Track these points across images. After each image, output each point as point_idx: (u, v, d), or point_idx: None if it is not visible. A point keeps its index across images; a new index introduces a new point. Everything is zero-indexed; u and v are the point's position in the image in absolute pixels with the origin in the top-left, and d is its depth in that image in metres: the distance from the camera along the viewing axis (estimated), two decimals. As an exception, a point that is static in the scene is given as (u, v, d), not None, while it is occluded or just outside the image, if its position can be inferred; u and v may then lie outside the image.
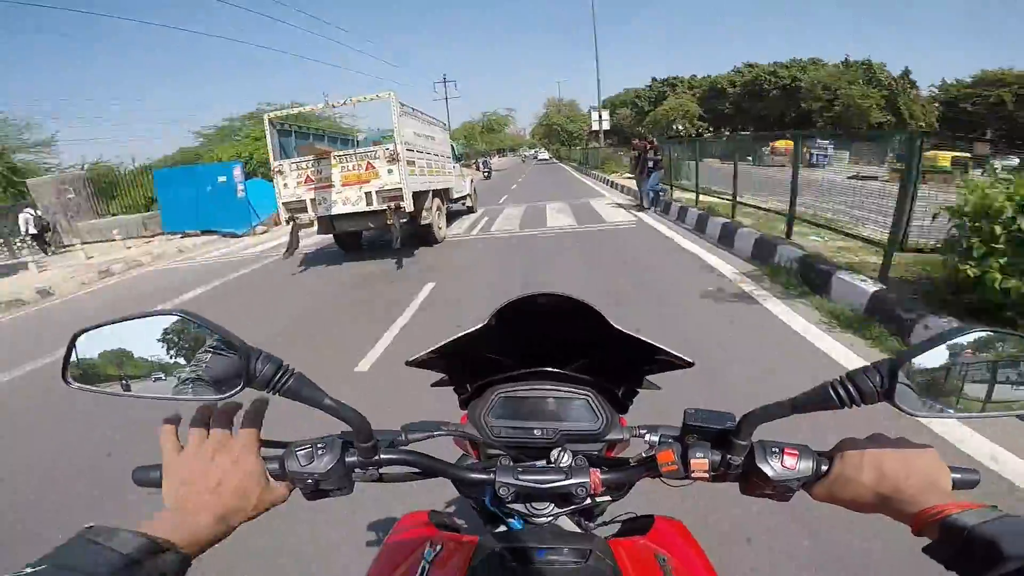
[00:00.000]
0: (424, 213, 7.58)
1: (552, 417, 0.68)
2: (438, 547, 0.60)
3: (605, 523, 0.75)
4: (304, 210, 7.06)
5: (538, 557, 0.54)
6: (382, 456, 0.58)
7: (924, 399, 0.48)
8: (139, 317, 0.50)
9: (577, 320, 0.63)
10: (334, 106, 7.58)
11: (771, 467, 0.53)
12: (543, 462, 0.64)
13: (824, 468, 0.53)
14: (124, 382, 0.52)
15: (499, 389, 0.70)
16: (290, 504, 0.58)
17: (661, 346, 0.63)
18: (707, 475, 0.56)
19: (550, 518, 0.61)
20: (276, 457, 0.56)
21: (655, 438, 0.61)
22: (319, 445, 0.56)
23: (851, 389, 0.47)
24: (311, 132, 8.99)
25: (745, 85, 45.66)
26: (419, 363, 0.69)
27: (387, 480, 0.62)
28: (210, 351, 0.50)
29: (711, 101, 47.93)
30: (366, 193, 6.86)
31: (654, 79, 54.11)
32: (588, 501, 0.59)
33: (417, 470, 0.61)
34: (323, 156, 6.98)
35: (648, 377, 0.73)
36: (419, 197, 7.27)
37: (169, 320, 0.50)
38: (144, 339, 0.51)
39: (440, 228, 8.40)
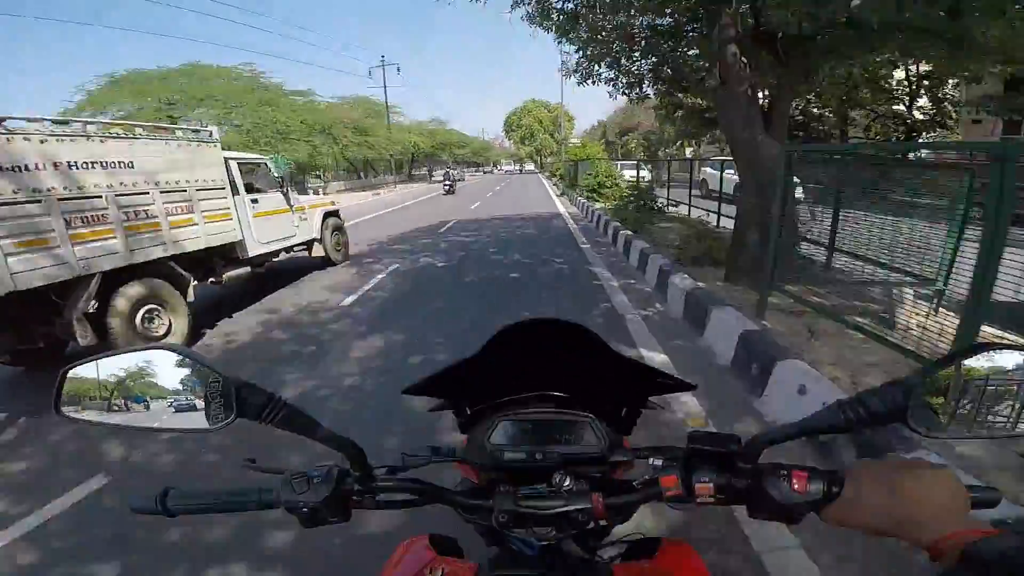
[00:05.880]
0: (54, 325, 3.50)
1: (553, 441, 0.67)
2: (438, 573, 0.60)
3: (611, 543, 0.73)
4: None
5: None
6: (379, 484, 0.58)
7: (942, 420, 0.46)
8: (128, 352, 0.51)
9: (577, 345, 0.62)
10: None
11: (779, 490, 0.51)
12: (544, 485, 0.63)
13: (836, 490, 0.50)
14: (115, 412, 0.52)
15: (499, 413, 0.69)
16: (283, 525, 0.55)
17: (661, 370, 0.63)
18: (712, 499, 0.54)
19: (553, 541, 0.60)
20: (271, 488, 0.56)
21: (658, 462, 0.60)
22: (315, 474, 0.56)
23: (861, 411, 0.46)
24: None
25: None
26: (416, 390, 0.69)
27: (384, 508, 0.61)
28: (200, 384, 0.50)
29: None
30: None
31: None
32: (591, 525, 0.58)
33: (415, 496, 0.60)
34: None
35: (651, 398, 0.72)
36: (68, 291, 3.54)
37: (158, 354, 0.51)
38: (133, 373, 0.51)
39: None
